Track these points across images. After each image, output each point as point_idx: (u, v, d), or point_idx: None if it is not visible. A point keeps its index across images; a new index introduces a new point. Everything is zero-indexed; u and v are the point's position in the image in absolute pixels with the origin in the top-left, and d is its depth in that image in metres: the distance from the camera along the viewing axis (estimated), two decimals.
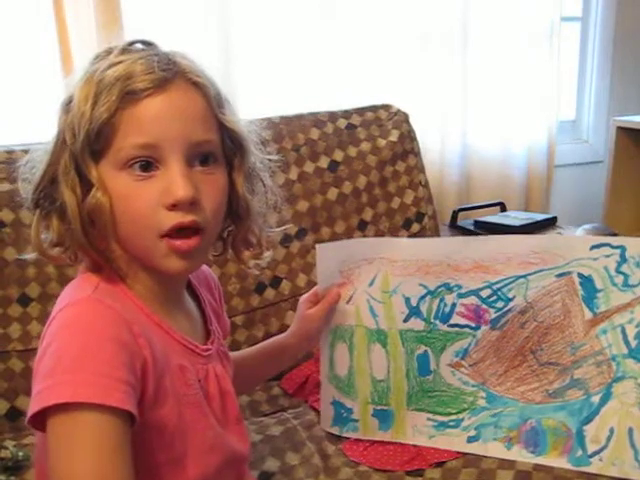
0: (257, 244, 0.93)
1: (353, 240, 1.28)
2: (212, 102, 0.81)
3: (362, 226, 1.70)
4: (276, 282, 1.58)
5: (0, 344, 1.31)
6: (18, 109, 1.66)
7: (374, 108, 1.82)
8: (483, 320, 1.15)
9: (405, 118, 1.83)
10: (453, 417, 1.18)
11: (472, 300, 1.14)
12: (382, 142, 1.77)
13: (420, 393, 1.18)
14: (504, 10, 2.16)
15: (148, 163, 0.76)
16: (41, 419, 0.68)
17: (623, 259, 1.09)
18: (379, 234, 1.71)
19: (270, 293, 1.57)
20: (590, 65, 2.55)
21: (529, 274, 1.12)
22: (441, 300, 1.15)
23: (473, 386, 1.17)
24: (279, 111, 1.70)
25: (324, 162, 1.68)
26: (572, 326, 1.12)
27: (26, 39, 1.65)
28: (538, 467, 1.12)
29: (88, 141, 0.75)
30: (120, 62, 0.77)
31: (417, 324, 1.16)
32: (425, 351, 1.17)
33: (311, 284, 1.58)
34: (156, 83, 0.76)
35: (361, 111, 1.80)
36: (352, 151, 1.72)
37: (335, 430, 1.22)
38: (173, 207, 0.76)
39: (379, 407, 1.19)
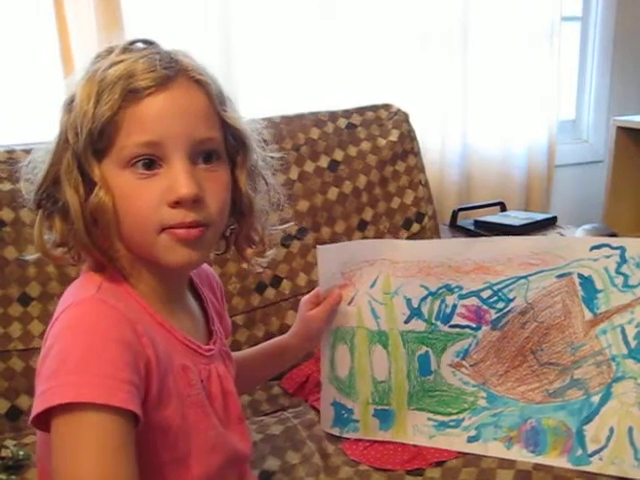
0: (260, 242, 0.93)
1: (354, 242, 1.28)
2: (214, 100, 0.81)
3: (362, 226, 1.71)
4: (276, 281, 1.58)
5: (1, 343, 1.31)
6: (19, 109, 1.66)
7: (374, 108, 1.82)
8: (484, 321, 1.15)
9: (405, 118, 1.83)
10: (453, 417, 1.18)
11: (473, 301, 1.14)
12: (382, 142, 1.77)
13: (421, 393, 1.18)
14: (504, 10, 2.17)
15: (151, 161, 0.76)
16: (45, 419, 0.68)
17: (623, 260, 1.09)
18: (379, 234, 1.71)
19: (270, 293, 1.57)
20: (590, 65, 2.55)
21: (529, 275, 1.12)
22: (442, 301, 1.15)
23: (474, 386, 1.17)
24: (279, 111, 1.70)
25: (324, 162, 1.69)
26: (572, 326, 1.12)
27: (27, 39, 1.65)
28: (538, 466, 1.12)
29: (91, 140, 0.76)
30: (122, 61, 0.77)
31: (418, 325, 1.16)
32: (426, 351, 1.17)
33: (311, 283, 1.59)
34: (158, 81, 0.76)
35: (361, 111, 1.80)
36: (352, 151, 1.73)
37: (335, 431, 1.22)
38: (176, 204, 0.76)
39: (380, 407, 1.19)
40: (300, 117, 1.70)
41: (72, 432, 0.67)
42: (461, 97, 2.15)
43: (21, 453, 1.16)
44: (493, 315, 1.15)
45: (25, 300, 1.34)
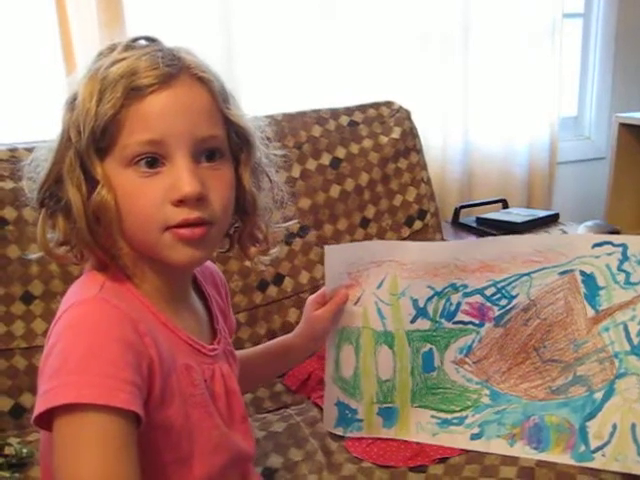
0: (263, 240, 0.93)
1: (362, 243, 1.27)
2: (217, 97, 0.81)
3: (364, 223, 1.71)
4: (279, 279, 1.58)
5: (4, 342, 1.31)
6: (21, 107, 1.66)
7: (376, 105, 1.82)
8: (487, 317, 1.15)
9: (407, 115, 1.83)
10: (457, 414, 1.18)
11: (477, 298, 1.14)
12: (384, 139, 1.77)
13: (424, 390, 1.18)
14: (506, 7, 2.17)
15: (154, 159, 0.76)
16: (47, 419, 0.68)
17: (625, 257, 1.09)
18: (381, 231, 1.72)
19: (273, 290, 1.57)
20: (592, 61, 2.55)
21: (532, 272, 1.12)
22: (447, 300, 1.15)
23: (477, 383, 1.17)
24: (281, 108, 1.70)
25: (326, 159, 1.69)
26: (575, 323, 1.12)
27: (28, 37, 1.65)
28: (541, 463, 1.12)
29: (93, 138, 0.75)
30: (124, 58, 0.77)
31: (423, 324, 1.16)
32: (430, 349, 1.17)
33: (313, 281, 1.59)
34: (161, 79, 0.76)
35: (363, 108, 1.80)
36: (354, 148, 1.73)
37: (339, 431, 1.22)
38: (180, 203, 0.76)
39: (384, 405, 1.19)
40: (302, 115, 1.70)
41: (73, 433, 0.67)
42: (463, 94, 2.15)
43: (24, 451, 1.17)
44: (496, 312, 1.15)
45: (28, 298, 1.34)
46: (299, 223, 1.58)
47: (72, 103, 0.78)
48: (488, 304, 1.14)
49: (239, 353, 1.03)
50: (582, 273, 1.11)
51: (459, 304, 1.15)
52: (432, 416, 1.19)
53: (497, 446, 1.16)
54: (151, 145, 0.76)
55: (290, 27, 1.90)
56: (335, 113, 1.75)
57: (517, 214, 2.04)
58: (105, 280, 0.78)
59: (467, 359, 1.17)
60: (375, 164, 1.74)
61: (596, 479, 1.09)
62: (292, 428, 1.27)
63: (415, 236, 1.76)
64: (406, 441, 1.19)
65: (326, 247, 1.14)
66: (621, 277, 1.10)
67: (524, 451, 1.14)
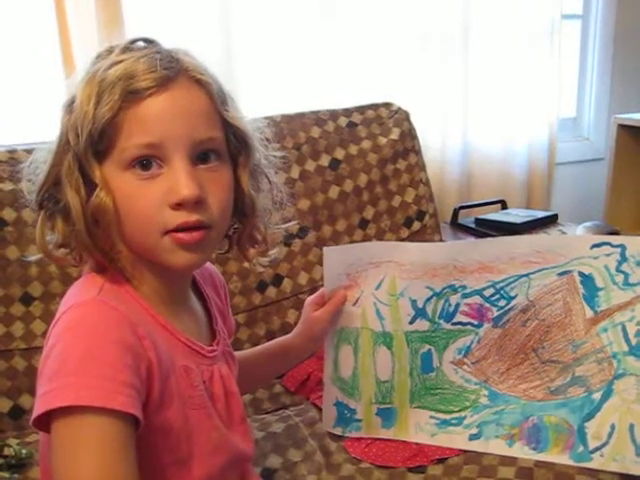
0: (262, 241, 0.93)
1: (361, 244, 1.27)
2: (216, 99, 0.81)
3: (363, 224, 1.71)
4: (278, 280, 1.58)
5: (3, 343, 1.31)
6: (20, 109, 1.66)
7: (375, 106, 1.82)
8: (485, 318, 1.15)
9: (406, 116, 1.84)
10: (455, 415, 1.18)
11: (475, 299, 1.15)
12: (383, 140, 1.77)
13: (423, 390, 1.18)
14: (505, 8, 2.17)
15: (152, 162, 0.76)
16: (46, 420, 0.68)
17: (623, 258, 1.09)
18: (380, 232, 1.72)
19: (272, 291, 1.57)
20: (591, 62, 2.55)
21: (531, 273, 1.12)
22: (446, 301, 1.15)
23: (475, 384, 1.18)
24: (280, 109, 1.70)
25: (325, 160, 1.69)
26: (573, 324, 1.12)
27: (28, 38, 1.65)
28: (539, 463, 1.12)
29: (91, 141, 0.75)
30: (122, 61, 0.77)
31: (422, 325, 1.16)
32: (429, 349, 1.17)
33: (312, 282, 1.59)
34: (159, 82, 0.76)
35: (362, 109, 1.80)
36: (353, 149, 1.73)
37: (338, 431, 1.22)
38: (178, 206, 0.76)
39: (383, 406, 1.19)
40: (301, 116, 1.70)
41: (72, 435, 0.67)
42: (462, 95, 2.15)
43: (24, 452, 1.17)
44: (495, 313, 1.15)
45: (27, 300, 1.34)
46: (298, 224, 1.58)
47: (70, 106, 0.78)
48: (487, 305, 1.15)
49: (238, 354, 1.03)
50: (581, 274, 1.11)
51: (458, 305, 1.15)
52: (431, 417, 1.19)
53: (496, 446, 1.16)
54: (149, 148, 0.76)
55: (289, 28, 1.90)
56: (334, 114, 1.75)
57: (516, 215, 2.04)
58: (104, 282, 0.78)
59: (466, 360, 1.17)
60: (374, 165, 1.74)
61: (594, 479, 1.09)
62: (291, 429, 1.27)
63: (414, 237, 1.76)
64: (405, 441, 1.19)
65: (325, 248, 1.14)
66: (620, 278, 1.10)
67: (523, 451, 1.14)
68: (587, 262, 1.10)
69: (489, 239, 1.18)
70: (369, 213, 1.72)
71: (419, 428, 1.19)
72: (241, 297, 1.53)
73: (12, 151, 1.38)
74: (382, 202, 1.74)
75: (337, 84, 1.97)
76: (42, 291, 1.35)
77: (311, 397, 1.38)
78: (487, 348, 1.16)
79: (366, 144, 1.75)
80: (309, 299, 1.16)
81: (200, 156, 0.79)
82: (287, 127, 1.66)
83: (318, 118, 1.72)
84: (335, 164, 1.70)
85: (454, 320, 1.16)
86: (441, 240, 1.84)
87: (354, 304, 1.16)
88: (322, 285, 1.16)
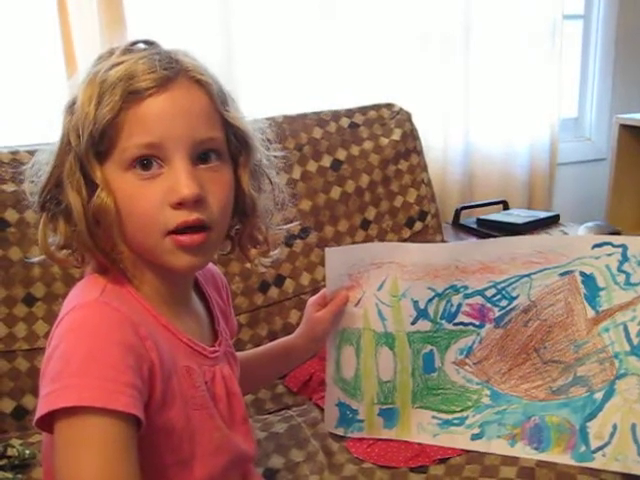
0: (264, 242, 0.93)
1: (362, 245, 1.27)
2: (215, 99, 0.81)
3: (365, 225, 1.71)
4: (280, 281, 1.58)
5: (6, 343, 1.32)
6: (22, 110, 1.67)
7: (377, 107, 1.83)
8: (487, 318, 1.15)
9: (408, 117, 1.84)
10: (457, 415, 1.18)
11: (477, 300, 1.15)
12: (385, 141, 1.77)
13: (425, 391, 1.18)
14: (506, 8, 2.17)
15: (153, 162, 0.76)
16: (48, 421, 0.68)
17: (625, 258, 1.09)
18: (382, 232, 1.72)
19: (274, 292, 1.57)
20: (592, 63, 2.55)
21: (532, 273, 1.12)
22: (448, 301, 1.15)
23: (477, 384, 1.18)
24: (282, 110, 1.70)
25: (327, 161, 1.69)
26: (575, 324, 1.12)
27: (30, 40, 1.66)
28: (541, 463, 1.12)
29: (92, 142, 0.76)
30: (122, 62, 0.77)
31: (424, 325, 1.16)
32: (430, 350, 1.17)
33: (314, 283, 1.59)
34: (159, 82, 0.76)
35: (364, 110, 1.80)
36: (355, 150, 1.73)
37: (340, 431, 1.22)
38: (178, 206, 0.76)
39: (385, 406, 1.19)
40: (302, 117, 1.71)
41: (74, 435, 0.67)
42: (463, 95, 2.15)
43: (27, 452, 1.17)
44: (497, 313, 1.15)
45: (30, 300, 1.34)
46: (300, 225, 1.59)
47: (72, 107, 0.78)
48: (488, 305, 1.15)
49: (240, 355, 1.03)
50: (582, 274, 1.11)
51: (460, 305, 1.15)
52: (433, 417, 1.19)
53: (497, 446, 1.16)
54: (150, 148, 0.76)
55: (290, 29, 1.91)
56: (336, 115, 1.75)
57: (518, 215, 2.04)
58: (106, 283, 0.79)
59: (467, 360, 1.17)
60: (376, 166, 1.74)
61: (596, 479, 1.09)
62: (293, 429, 1.27)
63: (416, 237, 1.76)
64: (407, 441, 1.20)
65: (327, 249, 1.14)
66: (621, 278, 1.10)
67: (524, 451, 1.15)
68: (589, 262, 1.10)
69: (491, 240, 1.18)
70: (371, 214, 1.72)
71: (421, 428, 1.20)
72: (243, 298, 1.53)
73: (14, 152, 1.38)
74: (384, 203, 1.75)
75: (339, 85, 1.97)
76: (45, 292, 1.35)
77: (313, 397, 1.38)
78: (489, 348, 1.16)
79: (368, 145, 1.75)
80: (311, 300, 1.16)
81: (200, 156, 0.79)
82: (289, 128, 1.66)
83: (320, 119, 1.72)
84: (337, 165, 1.70)
85: (456, 320, 1.16)
86: (443, 240, 1.84)
87: (356, 305, 1.16)
88: (324, 286, 1.17)
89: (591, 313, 1.12)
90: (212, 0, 1.79)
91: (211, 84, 0.80)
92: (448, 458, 1.16)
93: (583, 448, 1.12)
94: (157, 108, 0.76)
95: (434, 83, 2.11)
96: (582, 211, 2.44)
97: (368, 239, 1.70)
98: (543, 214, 2.07)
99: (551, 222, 2.04)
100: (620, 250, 1.09)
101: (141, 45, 0.81)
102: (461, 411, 1.19)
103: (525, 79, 2.23)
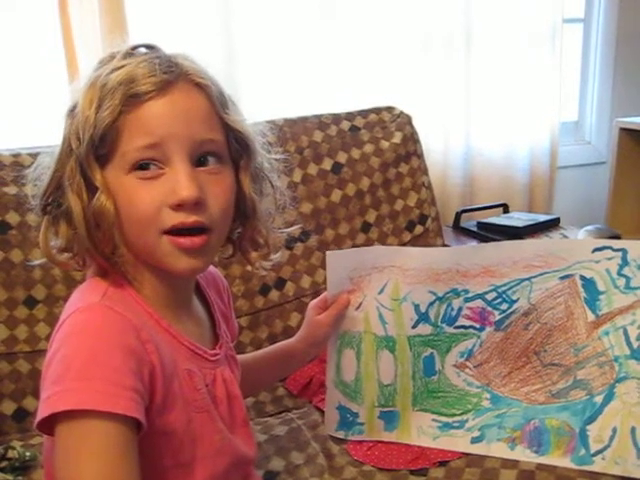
0: (264, 245, 0.93)
1: (363, 248, 1.27)
2: (215, 102, 0.81)
3: (365, 228, 1.71)
4: (280, 284, 1.58)
5: (7, 345, 1.32)
6: (24, 113, 1.67)
7: (377, 110, 1.83)
8: (488, 322, 1.15)
9: (408, 120, 1.84)
10: (457, 418, 1.18)
11: (478, 303, 1.15)
12: (385, 144, 1.77)
13: (425, 394, 1.19)
14: (506, 12, 2.17)
15: (153, 164, 0.77)
16: (49, 424, 0.68)
17: (625, 262, 1.09)
18: (382, 236, 1.72)
19: (274, 295, 1.58)
20: (592, 66, 2.55)
21: (533, 277, 1.12)
22: (448, 305, 1.15)
23: (477, 387, 1.18)
24: (282, 113, 1.71)
25: (328, 164, 1.69)
26: (575, 328, 1.13)
27: (32, 44, 1.66)
28: (541, 466, 1.13)
29: (92, 145, 0.76)
30: (123, 66, 0.77)
31: (425, 329, 1.16)
32: (431, 353, 1.17)
33: (315, 286, 1.59)
34: (158, 85, 0.76)
35: (364, 113, 1.80)
36: (355, 153, 1.73)
37: (340, 434, 1.22)
38: (178, 207, 0.76)
39: (385, 409, 1.19)
40: (303, 120, 1.71)
41: (75, 438, 0.67)
42: (464, 99, 2.16)
43: (28, 454, 1.17)
44: (497, 316, 1.15)
45: (31, 303, 1.35)
46: (301, 228, 1.58)
47: (73, 111, 0.79)
48: (489, 309, 1.15)
49: (240, 357, 1.03)
50: (582, 278, 1.11)
51: (460, 309, 1.16)
52: (433, 420, 1.19)
53: (497, 449, 1.16)
54: (149, 150, 0.76)
55: (291, 32, 1.91)
56: (336, 118, 1.75)
57: (518, 218, 2.03)
58: (108, 286, 0.79)
59: (468, 363, 1.18)
60: (376, 169, 1.74)
61: None
62: (293, 432, 1.27)
63: (416, 240, 1.77)
64: (407, 444, 1.20)
65: (328, 252, 1.14)
66: (621, 282, 1.10)
67: (524, 454, 1.15)
68: (589, 266, 1.11)
69: (492, 243, 1.18)
70: (371, 217, 1.73)
71: (421, 431, 1.20)
72: (244, 300, 1.54)
73: (16, 155, 1.39)
74: (384, 206, 1.75)
75: (340, 88, 1.97)
76: (46, 294, 1.35)
77: (314, 400, 1.38)
78: (489, 351, 1.17)
79: (368, 148, 1.75)
80: (312, 303, 1.16)
81: (200, 159, 0.79)
82: (290, 131, 1.67)
83: (320, 122, 1.72)
84: (337, 168, 1.70)
85: (456, 324, 1.16)
86: (443, 244, 1.84)
87: (357, 308, 1.16)
88: (325, 288, 1.17)
89: (591, 317, 1.12)
90: (213, 4, 1.79)
91: (211, 87, 0.81)
92: (448, 461, 1.16)
93: (583, 451, 1.12)
94: (157, 111, 0.77)
95: (435, 86, 2.11)
96: (582, 214, 2.45)
97: (369, 242, 1.70)
98: (543, 217, 2.07)
99: (551, 225, 2.04)
100: (620, 254, 1.09)
101: (142, 49, 0.82)
102: (461, 414, 1.19)
103: (525, 83, 2.23)
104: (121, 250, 0.79)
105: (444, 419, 1.19)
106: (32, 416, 1.27)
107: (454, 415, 1.19)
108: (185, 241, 0.78)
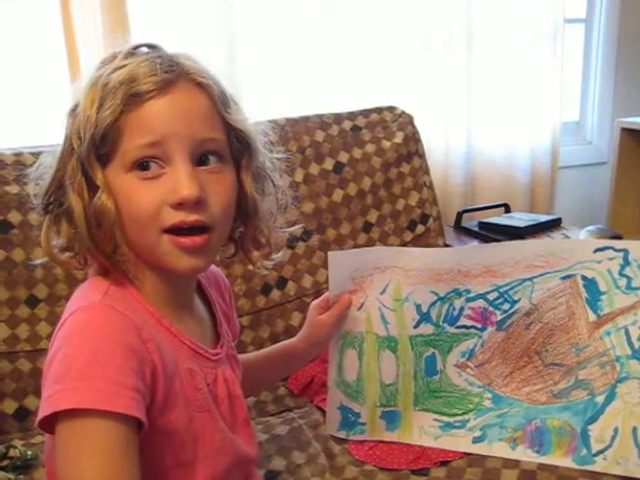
0: (266, 244, 0.93)
1: (365, 249, 1.27)
2: (216, 102, 0.81)
3: (367, 227, 1.71)
4: (282, 283, 1.59)
5: (8, 345, 1.32)
6: (26, 113, 1.67)
7: (379, 110, 1.83)
8: (489, 322, 1.15)
9: (410, 120, 1.84)
10: (459, 418, 1.18)
11: (479, 303, 1.15)
12: (387, 144, 1.77)
13: (427, 393, 1.19)
14: (507, 12, 2.17)
15: (154, 163, 0.77)
16: (50, 423, 0.68)
17: (626, 262, 1.09)
18: (384, 235, 1.72)
19: (276, 294, 1.58)
20: (594, 66, 2.55)
21: (534, 277, 1.12)
22: (450, 305, 1.15)
23: (479, 387, 1.18)
24: (284, 113, 1.71)
25: (329, 164, 1.69)
26: (576, 328, 1.13)
27: (34, 44, 1.66)
28: (542, 466, 1.13)
29: (94, 145, 0.76)
30: (124, 66, 0.78)
31: (427, 329, 1.16)
32: (433, 353, 1.17)
33: (316, 285, 1.59)
34: (159, 85, 0.77)
35: (366, 113, 1.81)
36: (357, 153, 1.73)
37: (342, 434, 1.22)
38: (179, 206, 0.77)
39: (387, 409, 1.19)
40: (305, 119, 1.71)
41: (76, 437, 0.67)
42: (465, 99, 2.16)
43: (29, 453, 1.18)
44: (498, 316, 1.15)
45: (32, 302, 1.35)
46: (302, 227, 1.58)
47: (74, 111, 0.79)
48: (491, 309, 1.15)
49: (242, 357, 1.03)
50: (584, 278, 1.11)
51: (462, 309, 1.16)
52: (434, 419, 1.19)
53: (499, 449, 1.16)
54: (150, 148, 0.76)
55: (292, 32, 1.91)
56: (338, 118, 1.76)
57: (519, 218, 2.03)
58: (109, 285, 0.79)
59: (469, 363, 1.18)
60: (378, 168, 1.75)
61: None
62: (295, 431, 1.27)
63: (417, 240, 1.77)
64: (408, 444, 1.20)
65: (330, 253, 1.14)
66: (622, 282, 1.10)
67: (526, 454, 1.15)
68: (590, 266, 1.11)
69: (493, 244, 1.18)
70: (373, 216, 1.73)
71: (423, 431, 1.20)
72: (245, 300, 1.54)
73: (18, 154, 1.39)
74: (386, 205, 1.75)
75: (341, 88, 1.97)
76: (47, 293, 1.36)
77: (315, 400, 1.38)
78: (491, 351, 1.17)
79: (370, 147, 1.75)
80: (314, 303, 1.16)
81: (201, 158, 0.79)
82: (291, 130, 1.67)
83: (322, 122, 1.73)
84: (339, 167, 1.70)
85: (458, 324, 1.16)
86: (445, 243, 1.84)
87: (359, 309, 1.16)
88: (326, 288, 1.17)
89: (592, 317, 1.12)
90: (214, 3, 1.79)
91: (212, 87, 0.81)
92: (449, 461, 1.16)
93: (584, 451, 1.12)
94: (158, 110, 0.77)
95: (436, 86, 2.11)
96: (584, 214, 2.45)
97: (370, 242, 1.70)
98: (545, 217, 2.07)
99: (553, 225, 2.04)
100: (621, 254, 1.09)
101: (144, 49, 0.82)
102: (463, 414, 1.19)
103: (527, 83, 2.23)
104: (122, 249, 0.79)
105: (445, 419, 1.19)
106: (33, 415, 1.26)
107: (455, 415, 1.19)
108: (186, 240, 0.78)
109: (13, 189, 1.34)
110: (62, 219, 0.79)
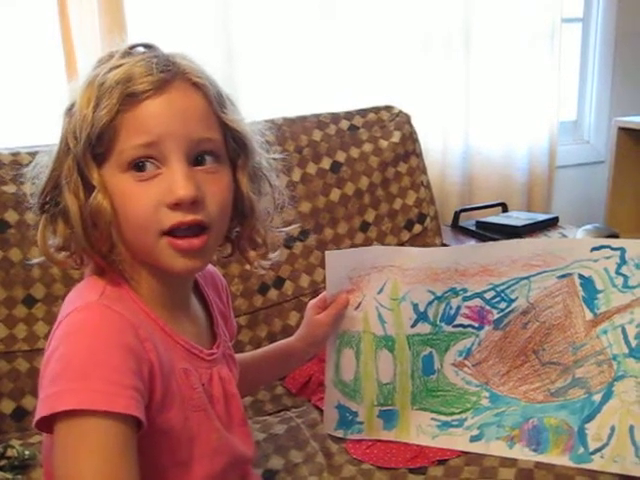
0: (263, 244, 0.93)
1: (363, 248, 1.27)
2: (212, 102, 0.81)
3: (364, 227, 1.71)
4: (279, 283, 1.59)
5: (6, 344, 1.32)
6: (23, 112, 1.67)
7: (376, 109, 1.83)
8: (486, 320, 1.15)
9: (407, 119, 1.84)
10: (456, 417, 1.19)
11: (476, 302, 1.15)
12: (384, 143, 1.77)
13: (424, 392, 1.19)
14: (505, 11, 2.17)
15: (150, 163, 0.77)
16: (48, 422, 0.68)
17: (623, 261, 1.09)
18: (381, 235, 1.72)
19: (273, 294, 1.58)
20: (591, 66, 2.56)
21: (531, 275, 1.12)
22: (447, 304, 1.15)
23: (476, 386, 1.18)
24: (281, 112, 1.71)
25: (326, 163, 1.69)
26: (573, 326, 1.13)
27: (31, 44, 1.66)
28: (540, 465, 1.13)
29: (90, 144, 0.76)
30: (121, 65, 0.78)
31: (424, 328, 1.16)
32: (430, 352, 1.17)
33: (314, 285, 1.59)
34: (156, 85, 0.77)
35: (363, 112, 1.81)
36: (354, 152, 1.73)
37: (339, 433, 1.22)
38: (175, 206, 0.77)
39: (385, 408, 1.19)
40: (302, 119, 1.71)
41: (74, 438, 0.67)
42: (463, 98, 2.16)
43: (27, 453, 1.17)
44: (495, 315, 1.15)
45: (30, 301, 1.35)
46: (299, 227, 1.59)
47: (70, 110, 0.79)
48: (488, 307, 1.15)
49: (239, 356, 1.03)
50: (581, 277, 1.11)
51: (459, 308, 1.16)
52: (432, 418, 1.19)
53: (496, 448, 1.16)
54: (146, 148, 0.76)
55: (290, 31, 1.91)
56: (335, 117, 1.76)
57: (517, 218, 2.04)
58: (105, 285, 0.79)
59: (467, 362, 1.18)
60: (375, 168, 1.75)
61: None
62: (292, 430, 1.27)
63: (415, 240, 1.77)
64: (406, 443, 1.20)
65: (327, 252, 1.14)
66: (619, 281, 1.10)
67: (523, 453, 1.15)
68: (587, 265, 1.11)
69: (491, 243, 1.18)
70: (370, 216, 1.73)
71: (420, 430, 1.20)
72: (242, 299, 1.54)
73: (15, 154, 1.39)
74: (383, 205, 1.75)
75: (338, 87, 1.97)
76: (44, 293, 1.35)
77: (312, 399, 1.38)
78: (488, 350, 1.17)
79: (367, 147, 1.75)
80: (311, 303, 1.16)
81: (198, 158, 0.79)
82: (289, 130, 1.67)
83: (319, 121, 1.73)
84: (336, 167, 1.70)
85: (455, 323, 1.16)
86: (442, 243, 1.84)
87: (356, 308, 1.16)
88: (324, 288, 1.16)
89: (589, 315, 1.12)
90: (212, 4, 1.79)
91: (208, 86, 0.81)
92: (447, 459, 1.16)
93: (581, 450, 1.12)
94: (154, 110, 0.77)
95: (434, 85, 2.12)
96: (581, 214, 2.45)
97: (367, 241, 1.70)
98: (542, 216, 2.07)
99: (550, 224, 2.04)
100: (618, 253, 1.10)
101: (140, 49, 0.82)
102: (460, 413, 1.19)
103: (524, 82, 2.23)
104: (118, 249, 0.79)
105: (443, 418, 1.19)
106: (31, 415, 1.27)
107: (453, 414, 1.19)
108: (183, 243, 0.78)
109: (10, 189, 1.34)
110: (58, 219, 0.79)
